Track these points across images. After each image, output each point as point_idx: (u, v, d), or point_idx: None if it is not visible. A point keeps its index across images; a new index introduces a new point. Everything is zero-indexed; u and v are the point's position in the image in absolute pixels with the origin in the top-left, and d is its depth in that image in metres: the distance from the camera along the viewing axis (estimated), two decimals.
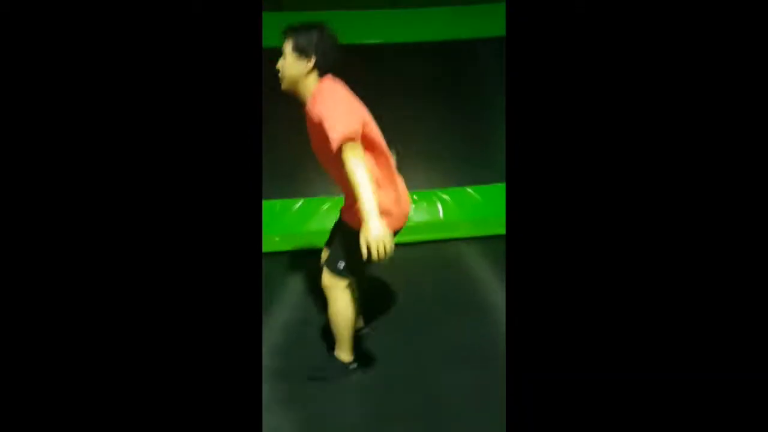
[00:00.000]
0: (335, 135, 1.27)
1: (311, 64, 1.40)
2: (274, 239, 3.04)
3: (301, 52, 1.40)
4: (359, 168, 1.27)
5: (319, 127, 1.33)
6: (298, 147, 3.40)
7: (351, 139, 1.28)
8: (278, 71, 1.45)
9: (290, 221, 3.15)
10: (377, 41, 3.45)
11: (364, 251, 1.27)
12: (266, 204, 3.11)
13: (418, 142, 3.28)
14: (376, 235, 1.25)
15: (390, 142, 1.57)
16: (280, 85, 1.48)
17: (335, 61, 1.44)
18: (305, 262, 2.86)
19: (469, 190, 3.24)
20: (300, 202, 3.20)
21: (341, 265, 1.56)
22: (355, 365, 1.78)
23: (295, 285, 2.61)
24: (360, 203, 1.27)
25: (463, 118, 3.33)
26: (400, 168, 1.67)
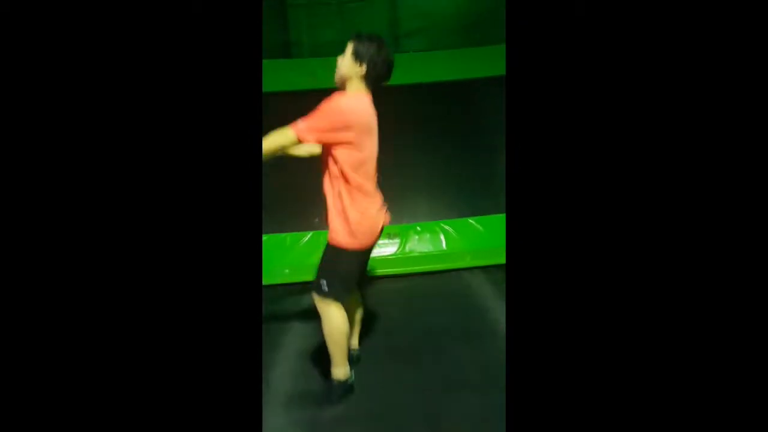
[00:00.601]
0: (298, 123, 1.51)
1: (362, 70, 1.60)
2: (284, 271, 3.15)
3: (357, 57, 1.60)
4: (270, 138, 1.51)
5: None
6: (308, 181, 3.56)
7: (297, 131, 1.51)
8: (336, 66, 1.66)
9: (299, 254, 3.25)
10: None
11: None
12: (276, 237, 3.24)
13: (423, 176, 3.44)
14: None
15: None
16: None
17: (383, 76, 1.65)
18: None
19: (471, 221, 3.35)
20: (309, 235, 3.31)
21: (324, 284, 1.68)
22: (352, 380, 1.83)
23: (302, 316, 2.69)
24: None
25: (465, 153, 3.48)
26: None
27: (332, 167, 1.62)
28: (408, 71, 3.68)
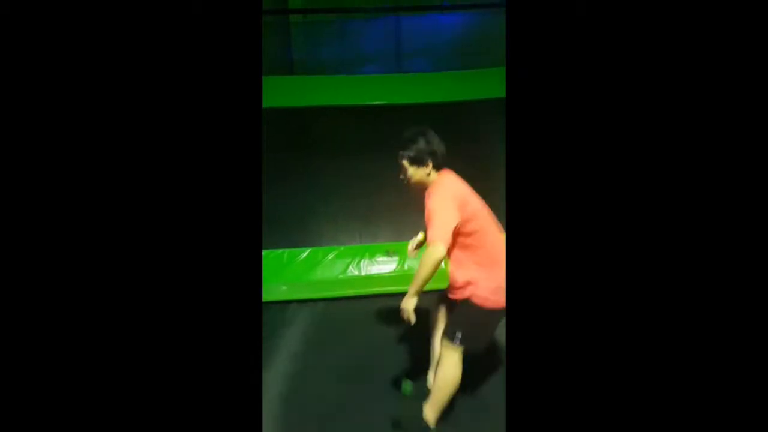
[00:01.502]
0: (432, 235, 1.57)
1: (429, 167, 1.68)
2: (280, 288, 3.11)
3: (418, 162, 1.68)
4: (427, 264, 1.57)
5: (427, 215, 1.63)
6: (304, 198, 3.58)
7: (439, 241, 1.54)
8: (403, 179, 1.72)
9: (297, 270, 3.23)
10: (383, 102, 3.69)
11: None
12: (273, 253, 3.21)
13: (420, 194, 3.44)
14: (404, 305, 1.64)
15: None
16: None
17: (444, 153, 1.71)
18: (310, 311, 2.92)
19: None
20: (306, 252, 3.29)
21: (458, 335, 1.70)
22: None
23: (298, 333, 2.66)
24: (412, 283, 1.62)
25: (464, 172, 3.48)
26: None
27: (463, 239, 1.66)
28: (410, 92, 3.73)
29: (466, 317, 1.70)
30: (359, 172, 3.51)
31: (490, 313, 1.68)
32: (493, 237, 1.71)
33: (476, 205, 1.70)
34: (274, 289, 3.06)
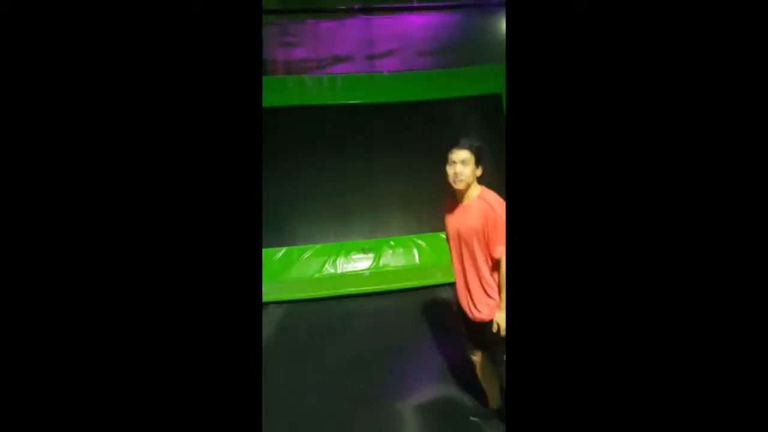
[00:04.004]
0: (503, 247, 1.59)
1: (480, 170, 1.70)
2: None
3: (479, 161, 1.69)
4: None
5: (488, 223, 1.63)
6: (280, 197, 3.57)
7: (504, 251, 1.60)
8: (458, 175, 1.70)
9: (273, 270, 3.24)
10: (357, 101, 3.74)
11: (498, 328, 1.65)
12: None
13: (397, 192, 3.51)
14: (498, 320, 1.65)
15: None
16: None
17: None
18: (287, 310, 2.94)
19: (442, 235, 3.41)
20: (282, 251, 3.30)
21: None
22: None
23: (276, 335, 2.67)
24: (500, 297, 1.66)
25: (440, 170, 3.56)
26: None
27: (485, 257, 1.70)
28: (383, 91, 3.78)
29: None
30: (335, 171, 3.53)
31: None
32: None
33: None
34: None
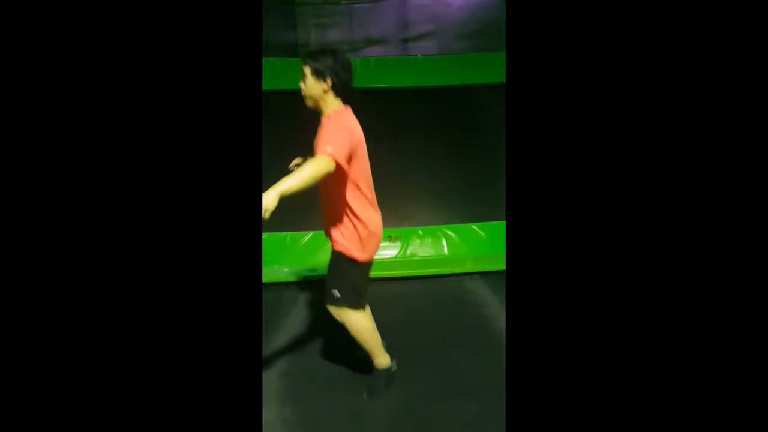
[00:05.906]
0: (324, 146, 1.45)
1: (328, 85, 1.57)
2: (283, 270, 3.12)
3: (319, 74, 1.58)
4: (313, 168, 1.39)
5: (320, 136, 1.52)
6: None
7: (330, 156, 1.43)
8: (301, 90, 1.63)
9: (299, 253, 3.23)
10: (389, 85, 3.65)
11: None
12: (276, 236, 3.21)
13: (427, 181, 3.42)
14: (265, 200, 1.31)
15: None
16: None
17: (349, 81, 1.62)
18: (312, 293, 2.94)
19: (473, 227, 3.32)
20: (309, 235, 3.29)
21: (336, 293, 1.70)
22: (394, 368, 1.89)
23: (300, 314, 2.68)
24: (287, 178, 1.37)
25: (469, 159, 3.47)
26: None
27: (341, 183, 1.60)
28: (416, 75, 3.68)
29: (340, 275, 1.70)
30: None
31: (361, 266, 1.68)
32: (372, 196, 1.68)
33: (365, 156, 1.65)
34: (276, 271, 3.08)
